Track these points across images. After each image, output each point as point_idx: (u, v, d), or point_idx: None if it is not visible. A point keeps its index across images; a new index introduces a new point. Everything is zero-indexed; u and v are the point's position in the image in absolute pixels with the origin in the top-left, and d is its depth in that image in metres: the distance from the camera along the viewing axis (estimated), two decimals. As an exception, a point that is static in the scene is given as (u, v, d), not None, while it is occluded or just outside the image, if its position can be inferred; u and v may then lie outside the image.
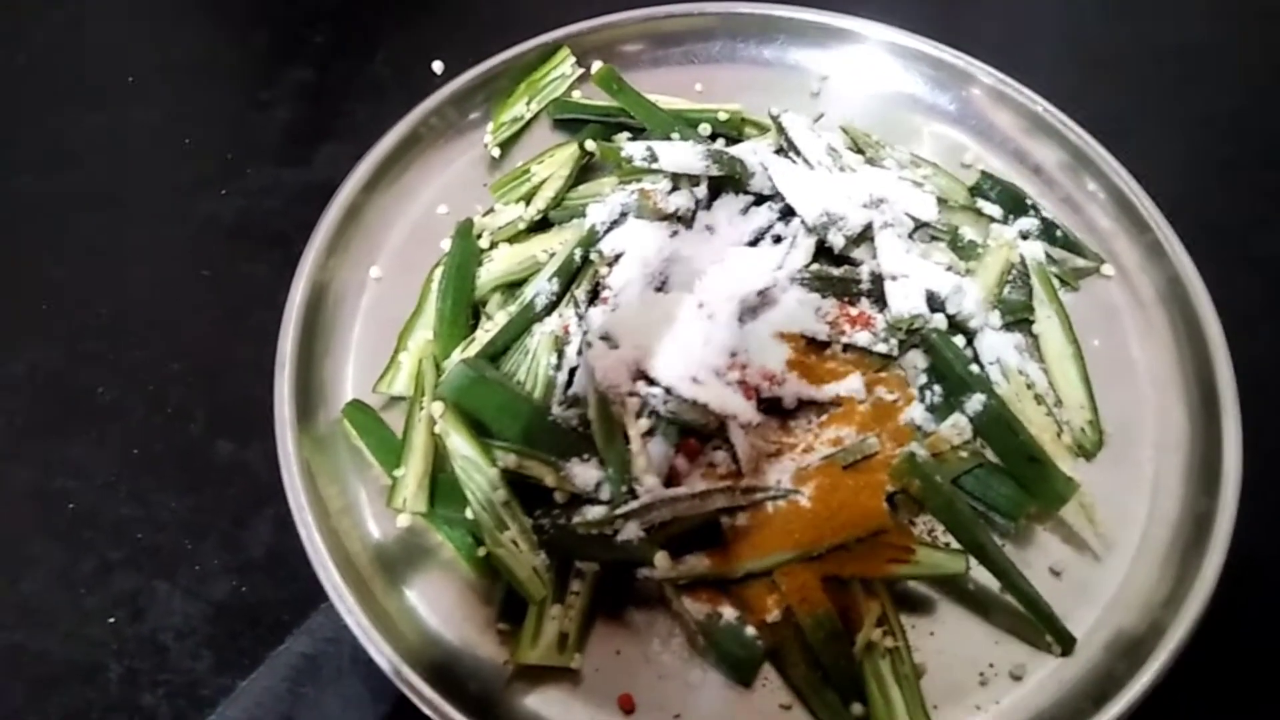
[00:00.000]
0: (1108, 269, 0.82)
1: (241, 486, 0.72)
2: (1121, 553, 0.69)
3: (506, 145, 0.86)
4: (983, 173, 0.85)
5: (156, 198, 0.89)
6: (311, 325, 0.73)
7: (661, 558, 0.62)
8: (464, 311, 0.74)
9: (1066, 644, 0.64)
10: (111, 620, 0.67)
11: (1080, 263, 0.81)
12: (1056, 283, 0.79)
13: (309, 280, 0.74)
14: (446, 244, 0.78)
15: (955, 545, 0.66)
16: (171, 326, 0.81)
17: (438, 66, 0.93)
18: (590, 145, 0.79)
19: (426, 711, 0.58)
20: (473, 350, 0.71)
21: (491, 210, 0.81)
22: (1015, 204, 0.83)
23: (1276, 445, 0.71)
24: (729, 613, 0.63)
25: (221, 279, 0.83)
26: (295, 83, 0.97)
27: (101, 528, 0.71)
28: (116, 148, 0.92)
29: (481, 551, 0.64)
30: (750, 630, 0.63)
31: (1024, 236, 0.81)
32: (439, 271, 0.76)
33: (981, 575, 0.66)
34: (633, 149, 0.77)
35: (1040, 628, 0.64)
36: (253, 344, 0.73)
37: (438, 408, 0.65)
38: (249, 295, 0.79)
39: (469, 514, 0.64)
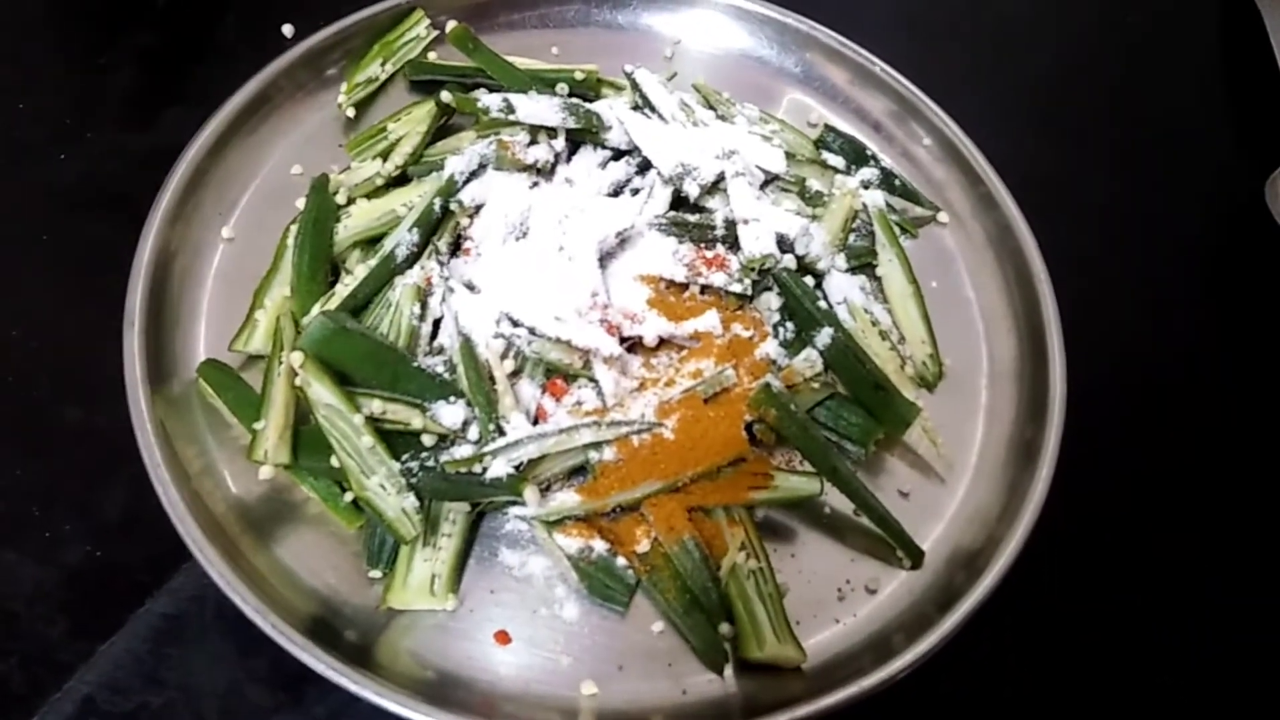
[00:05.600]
0: (943, 217, 0.88)
1: (91, 451, 0.69)
2: (961, 474, 0.74)
3: (361, 106, 0.85)
4: (826, 126, 0.90)
5: (-12, 163, 0.84)
6: (160, 285, 0.71)
7: (531, 492, 0.63)
8: (322, 267, 0.73)
9: (916, 558, 0.69)
10: (-44, 594, 0.64)
11: (918, 211, 0.87)
12: (897, 230, 0.84)
13: (155, 240, 0.71)
14: (301, 203, 0.76)
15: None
16: (9, 292, 0.77)
17: (288, 30, 0.91)
18: (446, 97, 0.79)
19: (306, 661, 0.57)
20: (333, 304, 0.70)
21: (348, 169, 0.80)
22: (857, 155, 0.88)
23: (1095, 373, 0.78)
24: (600, 546, 0.65)
25: (62, 244, 0.80)
26: (136, 47, 0.93)
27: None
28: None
29: (348, 498, 0.64)
30: (621, 561, 0.65)
31: (866, 186, 0.86)
32: (295, 228, 0.74)
33: (837, 501, 0.70)
34: (489, 100, 0.77)
35: (891, 545, 0.69)
36: (98, 308, 0.70)
37: (297, 358, 0.64)
38: (92, 260, 0.75)
39: (334, 463, 0.63)
